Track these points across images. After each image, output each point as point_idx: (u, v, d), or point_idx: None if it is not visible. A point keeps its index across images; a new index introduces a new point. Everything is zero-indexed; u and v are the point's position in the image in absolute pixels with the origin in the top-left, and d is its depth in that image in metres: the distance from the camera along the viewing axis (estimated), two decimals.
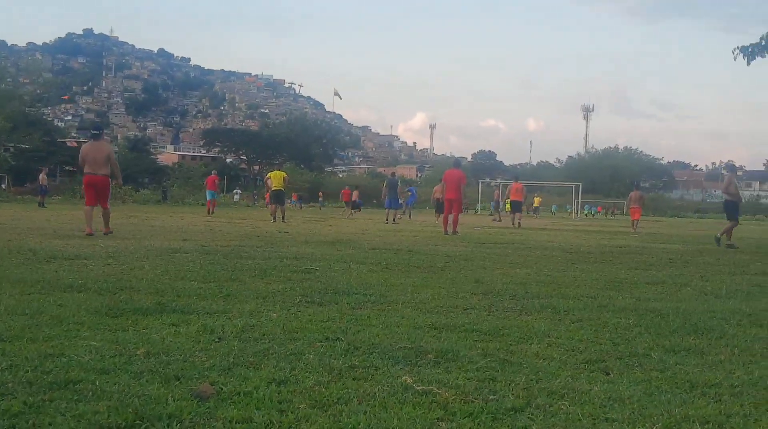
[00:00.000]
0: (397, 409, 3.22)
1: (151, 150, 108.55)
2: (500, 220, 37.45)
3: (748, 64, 18.57)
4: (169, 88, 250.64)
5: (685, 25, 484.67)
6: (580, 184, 67.18)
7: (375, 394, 3.42)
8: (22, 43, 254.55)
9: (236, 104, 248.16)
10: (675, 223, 54.18)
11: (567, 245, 16.19)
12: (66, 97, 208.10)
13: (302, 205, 64.08)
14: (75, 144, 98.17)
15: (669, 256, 13.40)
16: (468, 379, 3.74)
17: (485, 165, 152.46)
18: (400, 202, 33.24)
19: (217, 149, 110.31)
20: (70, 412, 3.04)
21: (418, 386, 3.55)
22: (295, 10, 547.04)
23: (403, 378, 3.69)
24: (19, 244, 11.05)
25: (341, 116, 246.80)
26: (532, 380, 3.77)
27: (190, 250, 10.87)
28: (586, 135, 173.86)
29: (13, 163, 64.89)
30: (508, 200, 34.09)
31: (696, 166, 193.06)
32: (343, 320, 5.32)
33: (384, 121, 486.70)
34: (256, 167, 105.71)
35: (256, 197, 75.28)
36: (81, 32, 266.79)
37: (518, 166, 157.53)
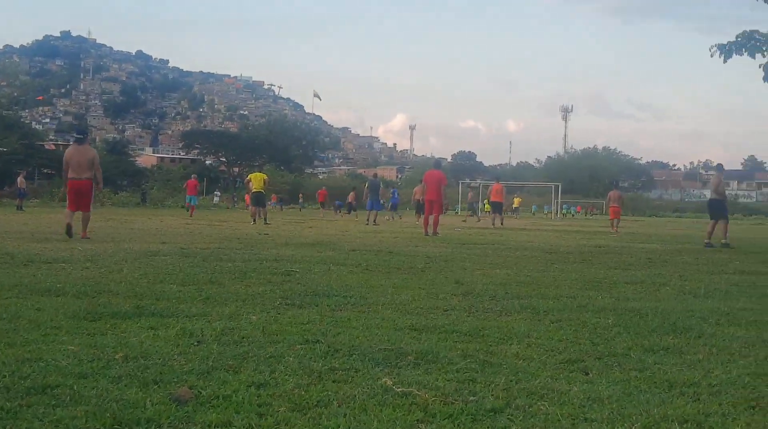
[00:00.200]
0: (377, 411, 3.22)
1: (130, 152, 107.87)
2: (479, 220, 37.60)
3: (725, 61, 18.68)
4: (147, 90, 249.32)
5: (662, 26, 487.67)
6: (560, 185, 67.43)
7: (355, 396, 3.42)
8: None
9: (215, 106, 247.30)
10: (654, 222, 54.44)
11: (547, 245, 16.24)
12: (40, 98, 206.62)
13: (282, 206, 63.92)
14: (53, 147, 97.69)
15: (648, 256, 13.47)
16: (448, 381, 3.75)
17: (465, 166, 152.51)
18: (381, 202, 33.24)
19: (196, 151, 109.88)
20: (47, 417, 3.03)
21: (398, 388, 3.55)
22: (274, 12, 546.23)
23: (383, 380, 3.69)
24: None
25: (321, 118, 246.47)
26: (511, 381, 3.78)
27: (169, 253, 10.82)
28: (565, 135, 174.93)
29: None
30: (487, 201, 34.19)
31: (674, 165, 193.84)
32: (323, 322, 5.31)
33: (364, 123, 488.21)
34: (236, 169, 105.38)
35: (235, 199, 75.03)
36: (58, 34, 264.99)
37: (498, 167, 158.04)
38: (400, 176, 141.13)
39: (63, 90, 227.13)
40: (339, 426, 3.02)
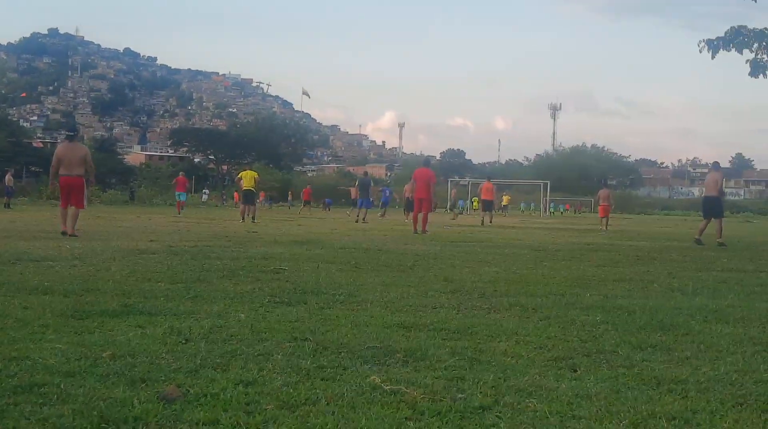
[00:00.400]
0: (365, 408, 3.22)
1: (118, 150, 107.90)
2: (455, 218, 37.78)
3: (713, 57, 18.72)
4: (135, 87, 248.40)
5: (650, 23, 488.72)
6: (549, 183, 67.59)
7: (343, 394, 3.41)
8: None
9: (204, 104, 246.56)
10: (642, 220, 54.63)
11: (535, 243, 16.28)
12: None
13: (271, 204, 63.89)
14: (41, 144, 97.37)
15: (636, 253, 13.51)
16: (436, 378, 3.75)
17: (454, 163, 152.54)
18: (371, 200, 33.26)
19: (184, 149, 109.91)
20: (34, 415, 3.01)
21: (387, 386, 3.54)
22: (263, 9, 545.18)
23: (372, 378, 3.68)
24: None
25: (310, 115, 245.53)
26: (500, 378, 3.78)
27: (157, 251, 10.79)
28: (553, 133, 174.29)
29: None
30: (476, 199, 34.25)
31: (662, 163, 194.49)
32: (311, 320, 5.31)
33: (353, 121, 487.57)
34: (225, 167, 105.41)
35: (224, 197, 74.97)
36: (46, 32, 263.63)
37: (487, 165, 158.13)
38: (389, 174, 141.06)
39: (51, 87, 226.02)
40: (327, 424, 3.01)
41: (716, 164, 19.90)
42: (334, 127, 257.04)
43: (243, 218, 25.50)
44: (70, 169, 14.35)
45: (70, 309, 5.42)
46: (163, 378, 3.59)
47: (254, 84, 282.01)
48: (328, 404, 3.26)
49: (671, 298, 7.16)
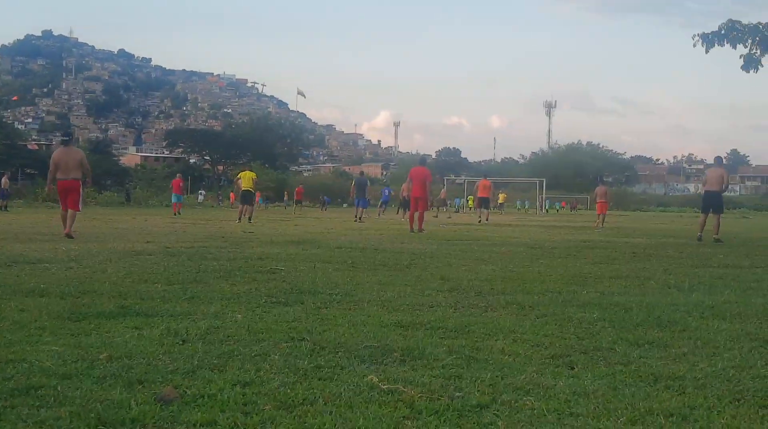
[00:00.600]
0: (363, 408, 3.21)
1: (114, 152, 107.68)
2: (436, 216, 37.82)
3: (707, 51, 18.78)
4: (130, 88, 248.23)
5: (644, 21, 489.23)
6: (544, 180, 67.64)
7: (341, 393, 3.41)
8: None
9: (199, 104, 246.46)
10: (638, 217, 54.70)
11: (532, 241, 16.28)
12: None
13: (267, 204, 63.83)
14: (36, 147, 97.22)
15: (633, 250, 13.52)
16: (434, 377, 3.74)
17: (450, 162, 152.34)
18: (368, 199, 33.28)
19: (180, 150, 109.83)
20: (31, 418, 3.01)
21: (384, 385, 3.54)
22: (258, 10, 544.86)
23: (369, 377, 3.68)
24: None
25: (305, 115, 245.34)
26: (497, 376, 3.78)
27: (153, 252, 10.78)
28: (549, 131, 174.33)
29: None
30: (472, 197, 34.25)
31: (658, 160, 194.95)
32: (308, 320, 5.30)
33: (348, 120, 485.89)
34: (220, 167, 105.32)
35: (220, 198, 74.90)
36: (40, 34, 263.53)
37: (482, 163, 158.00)
38: (385, 173, 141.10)
39: (45, 90, 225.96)
40: (325, 424, 3.01)
41: (719, 159, 19.64)
42: (329, 127, 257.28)
43: (240, 218, 25.53)
44: (66, 172, 14.50)
45: (66, 311, 5.41)
46: (160, 379, 3.59)
47: (249, 84, 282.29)
48: (325, 404, 3.26)
49: (668, 295, 7.16)
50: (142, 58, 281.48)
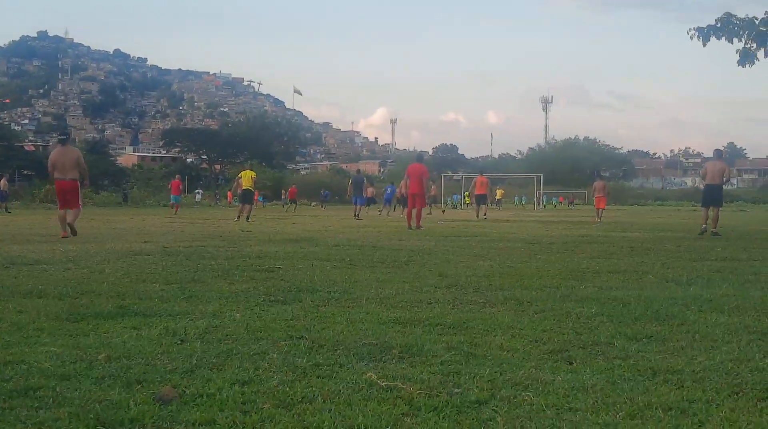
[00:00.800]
0: (361, 405, 3.22)
1: (110, 152, 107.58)
2: (430, 213, 37.79)
3: (704, 45, 18.74)
4: (126, 88, 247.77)
5: (641, 15, 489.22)
6: (542, 176, 67.64)
7: (339, 391, 3.41)
8: None
9: (195, 103, 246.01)
10: (636, 211, 54.72)
11: (529, 236, 16.29)
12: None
13: (265, 203, 63.84)
14: (33, 148, 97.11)
15: (630, 245, 13.52)
16: (432, 374, 3.75)
17: (447, 158, 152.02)
18: (365, 196, 33.31)
19: (177, 149, 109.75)
20: (30, 419, 3.01)
21: (383, 382, 3.54)
22: (253, 8, 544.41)
23: (368, 374, 3.68)
24: None
25: (302, 113, 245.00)
26: (496, 372, 3.78)
27: (151, 252, 10.77)
28: (545, 126, 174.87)
29: None
30: (467, 194, 34.26)
31: (655, 154, 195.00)
32: (307, 318, 5.30)
33: (345, 118, 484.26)
34: (217, 166, 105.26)
35: (218, 197, 74.86)
36: (35, 35, 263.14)
37: (480, 159, 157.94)
38: (382, 170, 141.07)
39: (41, 90, 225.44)
40: (324, 421, 3.01)
41: (718, 152, 19.54)
42: (326, 125, 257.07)
43: (238, 217, 25.64)
44: (64, 172, 14.56)
45: (64, 312, 5.41)
46: (158, 379, 3.59)
47: (245, 83, 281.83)
48: (324, 402, 3.26)
49: (666, 289, 7.17)
50: (138, 57, 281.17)
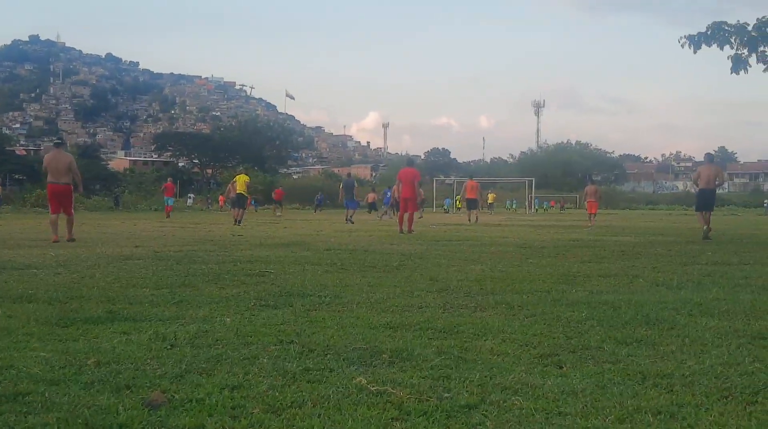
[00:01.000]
0: (351, 410, 3.21)
1: (102, 156, 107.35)
2: (421, 217, 37.83)
3: (695, 52, 18.84)
4: (118, 92, 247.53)
5: (633, 19, 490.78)
6: (533, 180, 67.75)
7: (329, 396, 3.41)
8: None
9: (187, 107, 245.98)
10: (627, 215, 54.84)
11: (521, 240, 16.31)
12: None
13: (257, 207, 63.69)
14: (24, 152, 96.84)
15: (621, 249, 13.55)
16: (422, 378, 3.75)
17: (439, 163, 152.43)
18: (358, 201, 33.31)
19: (168, 154, 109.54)
20: (19, 425, 3.00)
21: (373, 387, 3.54)
22: (245, 12, 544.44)
23: (358, 379, 3.68)
24: None
25: (294, 117, 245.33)
26: (486, 377, 3.78)
27: (142, 257, 10.75)
28: (537, 130, 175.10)
29: None
30: (458, 198, 34.28)
31: (646, 158, 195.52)
32: (297, 323, 5.30)
33: (337, 122, 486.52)
34: (209, 170, 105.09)
35: (209, 201, 74.72)
36: (27, 39, 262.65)
37: (472, 163, 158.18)
38: (374, 174, 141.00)
39: (33, 95, 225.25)
40: (313, 426, 3.01)
41: (709, 156, 19.55)
42: (318, 129, 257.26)
43: (235, 221, 25.71)
44: (57, 177, 14.67)
45: (54, 317, 5.39)
46: (148, 384, 3.58)
47: (237, 87, 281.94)
48: (314, 407, 3.26)
49: (656, 293, 7.18)
50: (130, 61, 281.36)
